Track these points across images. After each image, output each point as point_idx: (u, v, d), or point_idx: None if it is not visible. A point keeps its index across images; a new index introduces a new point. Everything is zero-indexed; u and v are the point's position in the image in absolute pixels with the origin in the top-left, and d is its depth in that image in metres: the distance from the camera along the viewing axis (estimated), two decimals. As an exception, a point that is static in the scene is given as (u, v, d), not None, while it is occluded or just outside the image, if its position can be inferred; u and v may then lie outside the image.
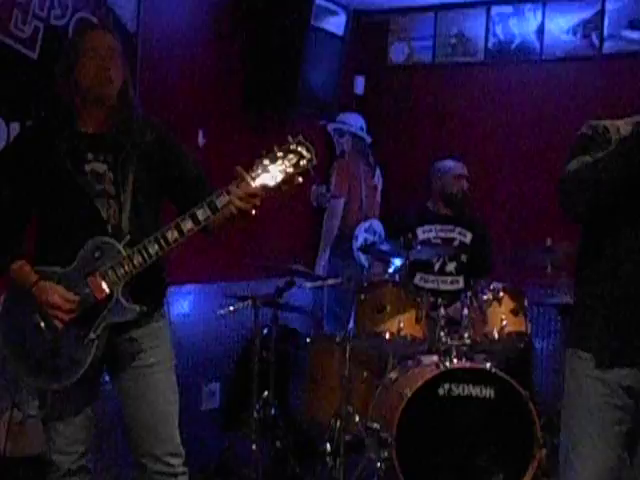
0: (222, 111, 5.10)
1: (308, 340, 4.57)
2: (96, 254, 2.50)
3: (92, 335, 2.50)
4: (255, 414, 4.16)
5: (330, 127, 5.73)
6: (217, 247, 4.97)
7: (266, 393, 4.27)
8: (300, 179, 2.38)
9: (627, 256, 2.32)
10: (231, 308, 4.30)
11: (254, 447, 4.10)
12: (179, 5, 4.84)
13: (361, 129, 5.74)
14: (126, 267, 2.46)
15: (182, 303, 4.85)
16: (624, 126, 2.32)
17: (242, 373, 4.61)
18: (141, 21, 4.56)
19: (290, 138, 2.37)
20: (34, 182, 2.59)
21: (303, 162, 2.35)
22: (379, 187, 5.89)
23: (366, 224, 5.54)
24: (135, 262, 2.46)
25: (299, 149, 2.35)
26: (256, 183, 2.35)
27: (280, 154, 2.34)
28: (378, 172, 5.88)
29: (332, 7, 5.26)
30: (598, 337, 2.36)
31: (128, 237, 2.51)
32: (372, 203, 5.79)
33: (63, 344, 2.53)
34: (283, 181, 2.36)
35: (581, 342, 2.42)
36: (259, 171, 2.35)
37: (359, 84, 6.07)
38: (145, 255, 2.45)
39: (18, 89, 3.85)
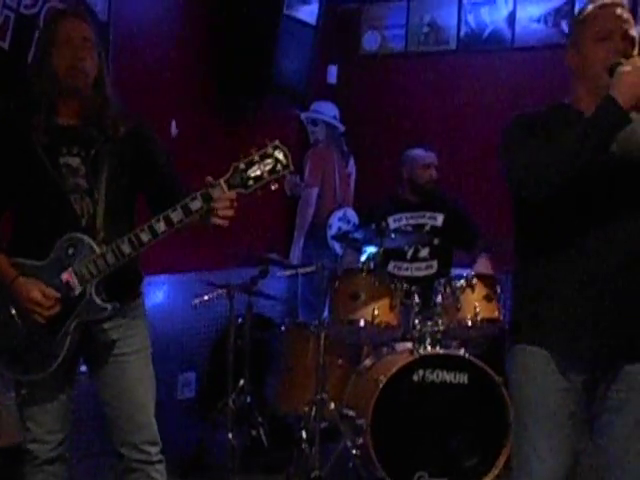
0: (195, 100, 5.10)
1: (283, 328, 4.58)
2: (69, 250, 2.49)
3: (64, 330, 2.51)
4: (230, 403, 4.19)
5: (303, 116, 5.74)
6: (191, 237, 4.99)
7: (241, 382, 4.29)
8: (275, 185, 2.36)
9: (594, 233, 2.32)
10: (205, 297, 4.31)
11: (230, 436, 4.11)
12: (151, -6, 4.85)
13: (334, 118, 5.74)
14: (99, 265, 2.45)
15: (157, 293, 4.85)
16: (547, 113, 2.41)
17: (217, 362, 4.63)
18: (112, 10, 4.53)
19: (268, 142, 2.34)
20: (7, 174, 2.57)
21: (279, 167, 2.33)
22: (352, 176, 5.91)
23: (340, 213, 5.56)
24: (108, 261, 2.45)
25: (276, 153, 2.33)
26: (230, 190, 2.34)
27: (257, 158, 2.33)
28: (352, 161, 5.90)
29: (304, -4, 5.28)
30: (548, 337, 2.38)
31: (102, 235, 2.50)
32: (346, 192, 5.80)
33: (37, 337, 2.53)
34: (258, 187, 2.35)
35: (532, 339, 2.40)
36: (234, 177, 2.34)
37: (332, 73, 6.08)
38: (118, 255, 2.44)
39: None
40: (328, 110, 5.74)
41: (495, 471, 3.90)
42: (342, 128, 5.78)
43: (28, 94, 2.61)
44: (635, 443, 2.36)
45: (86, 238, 2.49)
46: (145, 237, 2.42)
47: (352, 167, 5.91)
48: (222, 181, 2.33)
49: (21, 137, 2.54)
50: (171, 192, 2.56)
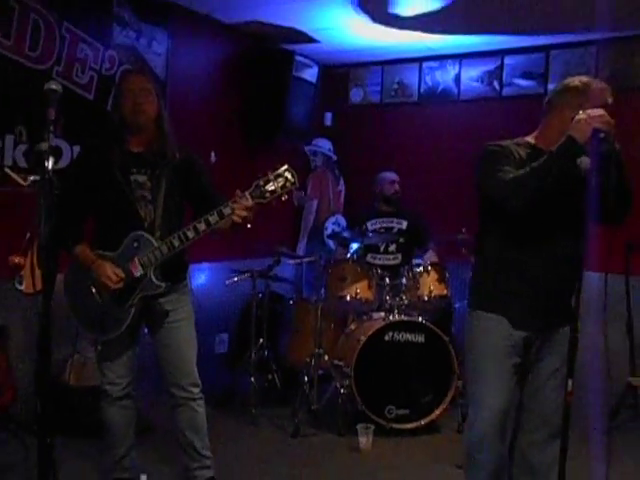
0: (229, 137, 5.09)
1: (291, 302, 4.60)
2: (135, 244, 2.51)
3: (130, 302, 2.52)
4: (253, 356, 4.18)
5: (307, 148, 5.71)
6: (226, 237, 4.99)
7: (261, 340, 4.27)
8: (285, 196, 2.37)
9: (536, 242, 2.32)
10: (235, 279, 4.29)
11: (252, 379, 4.11)
12: (197, 60, 4.83)
13: (329, 150, 5.72)
14: (156, 255, 2.47)
15: (201, 276, 4.88)
16: (512, 145, 2.38)
17: (243, 326, 4.60)
18: (169, 72, 4.55)
19: (279, 165, 2.35)
20: (91, 188, 2.58)
21: (288, 184, 2.34)
22: (342, 192, 5.87)
23: (333, 218, 5.53)
24: (163, 252, 2.46)
25: (286, 174, 2.33)
26: (252, 200, 2.34)
27: (272, 177, 2.33)
28: (342, 181, 5.87)
29: (308, 62, 5.25)
30: (499, 306, 2.38)
31: (159, 233, 2.52)
32: (337, 203, 5.78)
33: (111, 308, 2.54)
34: (273, 198, 2.35)
35: (487, 307, 2.41)
36: (255, 190, 2.34)
37: (328, 118, 6.05)
38: (170, 247, 2.46)
39: (78, 121, 3.82)
40: (325, 144, 5.72)
41: (444, 405, 3.90)
42: (335, 157, 5.76)
43: (108, 131, 2.62)
44: (550, 382, 2.38)
45: (147, 235, 2.51)
46: (190, 234, 2.44)
47: (342, 185, 5.88)
48: (247, 193, 2.34)
49: (103, 162, 2.55)
50: (210, 201, 2.56)
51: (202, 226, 2.42)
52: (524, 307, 2.35)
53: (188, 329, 2.73)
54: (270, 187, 2.33)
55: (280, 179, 2.33)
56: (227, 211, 2.37)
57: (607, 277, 4.02)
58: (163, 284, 2.53)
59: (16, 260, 2.37)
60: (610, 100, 2.28)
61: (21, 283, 2.34)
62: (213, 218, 2.40)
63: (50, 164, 1.86)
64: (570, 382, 1.92)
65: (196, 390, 2.73)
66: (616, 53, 4.89)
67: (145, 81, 2.60)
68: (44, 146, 1.88)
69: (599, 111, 2.10)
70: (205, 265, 4.88)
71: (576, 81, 2.34)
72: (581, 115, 2.12)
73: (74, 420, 3.44)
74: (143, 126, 2.56)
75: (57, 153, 1.79)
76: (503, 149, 2.36)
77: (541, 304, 2.35)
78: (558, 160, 2.15)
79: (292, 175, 2.34)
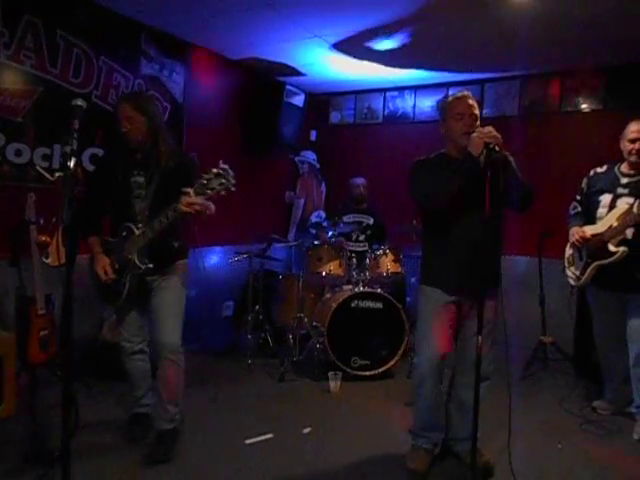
0: (233, 149, 4.96)
1: (281, 277, 4.48)
2: (124, 233, 2.39)
3: (123, 280, 2.42)
4: (250, 319, 4.09)
5: (296, 159, 5.59)
6: (230, 226, 4.90)
7: (257, 307, 4.19)
8: (224, 193, 2.12)
9: (456, 230, 2.32)
10: (236, 259, 4.20)
11: (249, 337, 4.03)
12: (208, 88, 4.71)
13: (314, 160, 5.61)
14: (137, 241, 2.36)
15: (212, 257, 4.77)
16: (433, 158, 2.42)
17: (244, 295, 4.53)
18: (186, 97, 4.44)
19: (223, 165, 2.11)
20: (104, 190, 2.46)
21: (227, 183, 2.09)
22: (324, 192, 5.77)
23: (316, 213, 5.43)
24: (141, 239, 2.34)
25: (225, 174, 2.09)
26: (196, 196, 2.14)
27: (213, 176, 2.10)
28: (323, 184, 5.77)
29: (296, 90, 5.14)
30: (437, 279, 2.38)
31: (141, 225, 2.38)
32: (320, 201, 5.67)
33: (113, 285, 2.43)
34: (213, 194, 2.12)
35: (429, 281, 2.41)
36: (199, 187, 2.13)
37: (313, 134, 5.94)
38: (144, 236, 2.34)
39: (112, 134, 3.66)
40: (310, 155, 5.61)
41: (397, 357, 3.83)
42: (318, 166, 5.64)
43: (117, 144, 2.47)
44: (474, 337, 2.32)
45: (132, 226, 2.37)
46: (156, 226, 2.31)
47: (324, 187, 5.78)
48: (191, 190, 2.14)
49: (113, 169, 2.42)
50: None
51: (164, 219, 2.28)
52: (451, 279, 2.34)
53: (168, 296, 2.49)
54: (211, 185, 2.10)
55: (222, 179, 2.09)
56: (179, 207, 2.20)
57: (526, 260, 3.97)
58: (143, 266, 2.38)
59: (43, 238, 2.27)
60: (471, 102, 2.29)
61: (47, 257, 2.24)
62: (170, 213, 2.25)
63: (72, 163, 1.76)
64: (479, 338, 1.88)
65: (171, 348, 2.46)
66: (534, 85, 4.83)
67: (128, 109, 2.37)
68: (68, 149, 1.79)
69: (488, 128, 2.11)
70: (217, 248, 4.79)
71: (446, 100, 2.38)
72: (475, 134, 2.13)
73: (109, 367, 3.36)
74: (135, 144, 2.42)
75: (77, 155, 1.70)
76: (424, 163, 2.38)
77: (463, 276, 2.33)
78: (460, 170, 2.18)
79: (231, 176, 2.09)
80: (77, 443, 2.29)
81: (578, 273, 3.10)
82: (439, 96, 5.23)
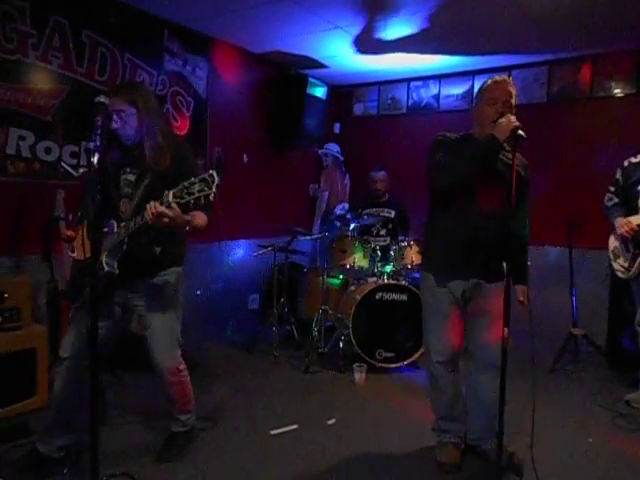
0: (257, 143, 4.98)
1: (305, 270, 4.51)
2: (105, 229, 2.16)
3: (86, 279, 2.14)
4: (275, 311, 4.12)
5: (320, 151, 5.58)
6: (255, 219, 4.93)
7: (282, 299, 4.21)
8: (203, 201, 1.86)
9: (460, 217, 2.27)
10: (261, 252, 4.22)
11: (275, 329, 4.06)
12: (232, 82, 4.72)
13: (338, 152, 5.58)
14: (112, 240, 2.14)
15: (238, 250, 4.80)
16: (455, 135, 2.36)
17: (269, 288, 4.56)
18: (209, 92, 4.46)
19: (210, 172, 1.83)
20: (107, 190, 2.24)
21: (207, 190, 1.82)
22: (348, 185, 5.75)
23: (340, 205, 5.43)
24: (115, 239, 2.13)
25: (208, 180, 1.83)
26: (174, 199, 1.90)
27: (196, 181, 1.85)
28: (347, 176, 5.74)
29: (319, 83, 5.12)
30: (441, 266, 2.35)
31: (122, 222, 2.16)
32: (343, 194, 5.65)
33: (78, 281, 2.24)
34: (191, 200, 1.87)
35: (432, 268, 2.40)
36: (179, 191, 1.88)
37: (337, 127, 5.92)
38: (119, 235, 2.13)
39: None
40: (334, 148, 5.59)
41: (420, 350, 3.76)
42: (342, 158, 5.62)
43: (109, 142, 2.20)
44: (484, 330, 2.33)
45: (113, 222, 2.17)
46: (131, 225, 2.09)
47: (348, 180, 5.75)
48: (170, 193, 1.90)
49: (108, 168, 2.22)
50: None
51: (139, 219, 2.05)
52: (454, 265, 2.31)
53: (157, 321, 2.30)
54: (191, 190, 1.85)
55: (204, 185, 1.83)
56: (145, 215, 1.98)
57: (555, 250, 3.86)
58: (107, 267, 2.10)
59: (68, 233, 2.31)
60: (509, 88, 2.21)
61: (73, 251, 2.28)
62: (139, 219, 2.05)
63: (95, 159, 1.79)
64: (506, 330, 1.83)
65: (169, 372, 2.34)
66: (563, 70, 4.68)
67: (118, 102, 2.14)
68: (91, 145, 1.83)
69: (513, 117, 2.07)
70: (242, 242, 4.81)
71: (485, 82, 2.29)
72: (503, 119, 2.09)
73: (139, 359, 3.42)
74: (127, 140, 2.21)
75: (101, 151, 1.70)
76: (446, 137, 2.33)
77: (467, 263, 2.28)
78: (482, 150, 2.13)
79: (215, 184, 1.83)
80: (104, 433, 2.34)
81: (627, 265, 3.02)
82: (464, 85, 5.15)
